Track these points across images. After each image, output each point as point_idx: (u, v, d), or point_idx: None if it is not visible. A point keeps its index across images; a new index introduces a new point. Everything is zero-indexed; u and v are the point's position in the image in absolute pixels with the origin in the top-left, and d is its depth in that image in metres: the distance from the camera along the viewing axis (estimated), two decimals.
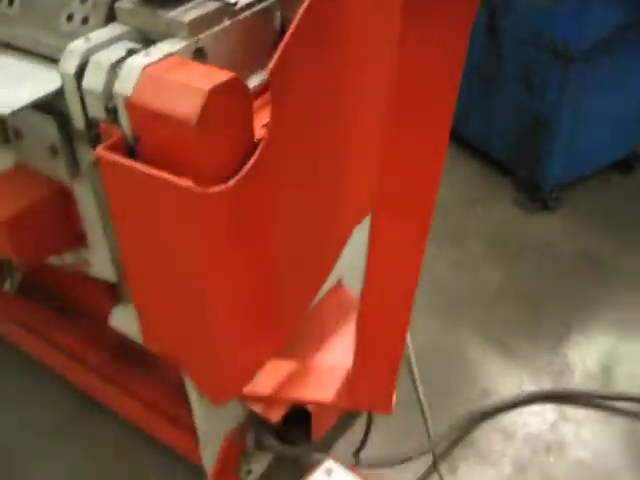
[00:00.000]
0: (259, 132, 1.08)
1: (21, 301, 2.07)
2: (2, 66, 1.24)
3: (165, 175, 0.98)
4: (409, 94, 0.96)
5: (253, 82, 1.21)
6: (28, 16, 1.27)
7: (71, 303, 2.06)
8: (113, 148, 1.04)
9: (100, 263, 1.47)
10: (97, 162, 1.20)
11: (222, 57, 1.13)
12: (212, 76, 0.98)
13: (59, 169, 1.32)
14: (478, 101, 2.70)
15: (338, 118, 1.24)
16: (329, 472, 1.31)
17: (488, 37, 2.53)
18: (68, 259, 1.55)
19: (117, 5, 1.13)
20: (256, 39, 1.20)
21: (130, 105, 1.02)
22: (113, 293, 1.63)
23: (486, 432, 1.92)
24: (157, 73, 1.01)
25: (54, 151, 1.29)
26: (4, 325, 2.16)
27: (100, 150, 1.03)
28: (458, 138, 2.81)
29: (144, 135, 1.03)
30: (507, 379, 2.09)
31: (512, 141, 2.67)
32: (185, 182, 0.97)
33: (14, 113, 1.09)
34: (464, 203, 2.71)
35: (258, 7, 1.18)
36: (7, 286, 1.64)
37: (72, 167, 1.30)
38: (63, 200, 1.39)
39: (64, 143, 1.27)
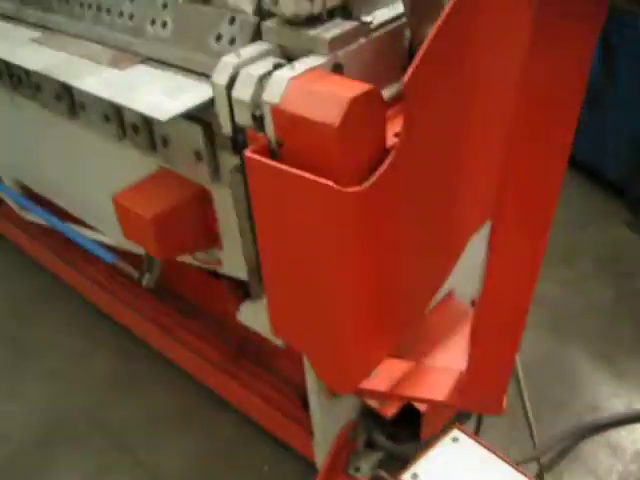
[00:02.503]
0: (391, 140, 1.18)
1: (152, 301, 2.26)
2: (158, 80, 1.38)
3: (307, 174, 1.09)
4: (534, 108, 1.03)
5: (385, 94, 1.30)
6: (180, 37, 1.42)
7: (196, 304, 2.22)
8: (259, 151, 1.15)
9: (232, 262, 1.60)
10: (237, 167, 1.33)
11: (357, 71, 1.23)
12: (352, 87, 1.08)
13: (202, 173, 1.45)
14: (589, 120, 2.70)
15: (464, 129, 1.31)
16: (455, 440, 1.38)
17: (601, 54, 2.55)
18: (200, 257, 1.69)
19: (263, 24, 1.26)
20: (387, 56, 1.30)
21: (277, 112, 1.13)
22: (237, 293, 1.76)
23: (594, 447, 1.92)
24: (302, 83, 1.12)
25: (198, 157, 1.42)
26: (136, 320, 2.35)
27: (248, 152, 1.15)
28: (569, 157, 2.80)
29: (288, 140, 1.14)
30: (617, 398, 2.08)
31: (625, 161, 2.66)
32: (325, 181, 1.07)
33: (170, 119, 1.24)
34: (575, 222, 2.72)
35: (390, 27, 1.28)
36: (145, 282, 1.80)
37: (214, 172, 1.44)
38: (202, 202, 1.53)
39: (208, 149, 1.41)
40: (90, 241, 1.96)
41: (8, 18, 1.88)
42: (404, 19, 1.30)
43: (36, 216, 2.34)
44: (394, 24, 1.30)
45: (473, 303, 1.78)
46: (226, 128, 1.26)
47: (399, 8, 1.30)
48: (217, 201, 1.53)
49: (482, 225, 1.55)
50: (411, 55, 1.33)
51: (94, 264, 2.49)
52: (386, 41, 1.29)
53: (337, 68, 1.20)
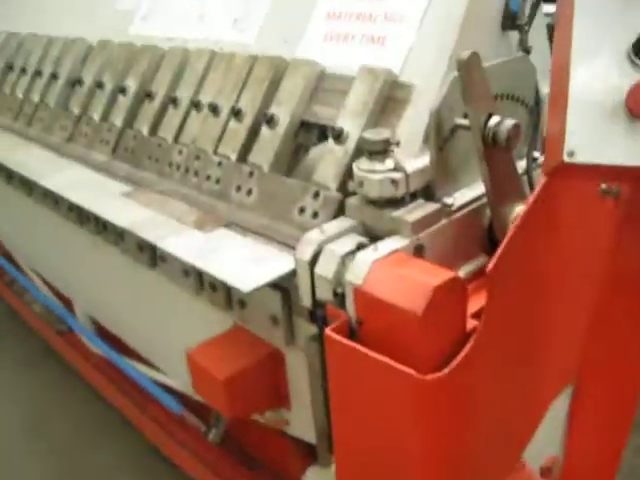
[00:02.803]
0: (469, 322, 1.18)
1: (217, 450, 2.23)
2: (240, 246, 1.43)
3: (387, 359, 1.09)
4: (622, 284, 1.03)
5: (464, 270, 1.32)
6: (264, 206, 1.48)
7: (260, 458, 2.18)
8: (339, 330, 1.17)
9: (300, 424, 1.59)
10: (314, 337, 1.34)
11: (437, 251, 1.26)
12: (436, 273, 1.10)
13: (276, 336, 1.47)
14: None
15: (542, 303, 1.31)
16: None
17: None
18: (268, 416, 1.68)
19: (347, 201, 1.30)
20: (467, 235, 1.32)
21: (359, 293, 1.15)
22: (304, 455, 1.73)
23: None
24: (385, 267, 1.14)
25: (274, 321, 1.44)
26: (201, 472, 2.32)
27: (329, 331, 1.16)
28: None
29: (368, 320, 1.15)
30: None
31: None
32: (405, 368, 1.07)
33: (253, 290, 1.27)
34: None
35: (471, 207, 1.31)
36: (211, 436, 1.79)
37: (289, 336, 1.45)
38: (274, 363, 1.54)
39: (285, 315, 1.43)
40: (158, 388, 1.98)
41: (99, 168, 1.99)
42: (484, 199, 1.33)
43: (105, 355, 2.38)
44: (475, 204, 1.33)
45: (543, 472, 1.71)
46: (306, 301, 1.28)
47: (479, 188, 1.33)
48: (289, 363, 1.53)
49: (562, 390, 1.51)
50: (491, 233, 1.35)
51: (159, 406, 2.50)
52: (467, 221, 1.31)
53: (419, 249, 1.22)
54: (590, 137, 0.79)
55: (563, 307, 1.37)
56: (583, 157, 0.79)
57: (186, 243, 1.46)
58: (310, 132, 1.57)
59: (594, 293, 1.11)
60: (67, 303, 2.89)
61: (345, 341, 1.14)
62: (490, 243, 1.36)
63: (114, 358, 2.28)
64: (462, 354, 1.11)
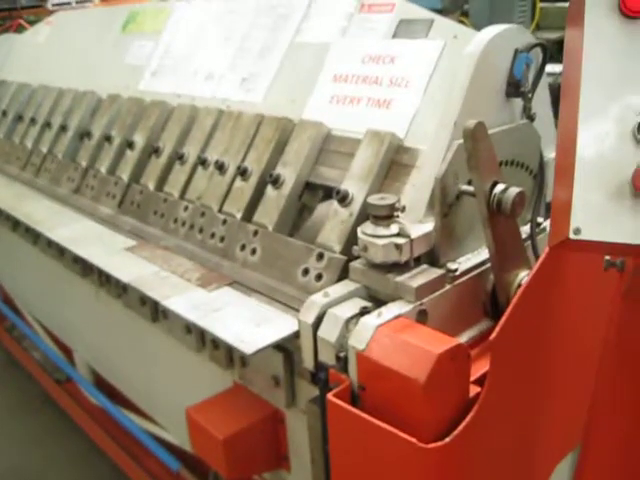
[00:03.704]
0: (472, 388, 1.17)
1: None
2: (244, 306, 1.43)
3: (389, 427, 1.08)
4: (623, 362, 1.03)
5: (466, 335, 1.32)
6: (268, 266, 1.49)
7: None
8: (341, 395, 1.16)
9: None
10: (315, 400, 1.33)
11: (441, 316, 1.26)
12: (439, 341, 1.10)
13: (277, 397, 1.46)
14: None
15: (546, 369, 1.31)
16: None
17: None
18: (267, 477, 1.66)
19: (351, 265, 1.31)
20: (470, 299, 1.32)
21: (362, 358, 1.15)
22: None
23: None
24: (389, 333, 1.14)
25: (276, 381, 1.44)
26: None
27: (330, 396, 1.15)
28: None
29: (370, 386, 1.15)
30: None
31: None
32: (407, 436, 1.06)
33: (255, 353, 1.27)
34: None
35: (475, 272, 1.32)
36: None
37: (290, 397, 1.44)
38: (275, 424, 1.53)
39: (286, 376, 1.42)
40: (156, 443, 1.96)
41: (105, 221, 2.01)
42: (488, 264, 1.33)
43: (104, 407, 2.36)
44: (479, 269, 1.33)
45: None
46: (309, 364, 1.28)
47: (484, 254, 1.34)
48: (290, 425, 1.52)
49: (567, 453, 1.50)
50: (494, 297, 1.36)
51: (156, 460, 2.46)
52: (470, 286, 1.32)
53: (422, 314, 1.22)
54: (596, 215, 0.80)
55: (567, 373, 1.37)
56: (589, 235, 0.80)
57: (190, 302, 1.46)
58: (315, 193, 1.59)
59: (598, 360, 1.11)
60: (67, 352, 2.88)
61: (347, 407, 1.13)
62: (494, 307, 1.36)
63: (111, 410, 2.26)
64: (465, 422, 1.10)
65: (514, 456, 1.33)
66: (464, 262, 1.33)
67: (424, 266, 1.27)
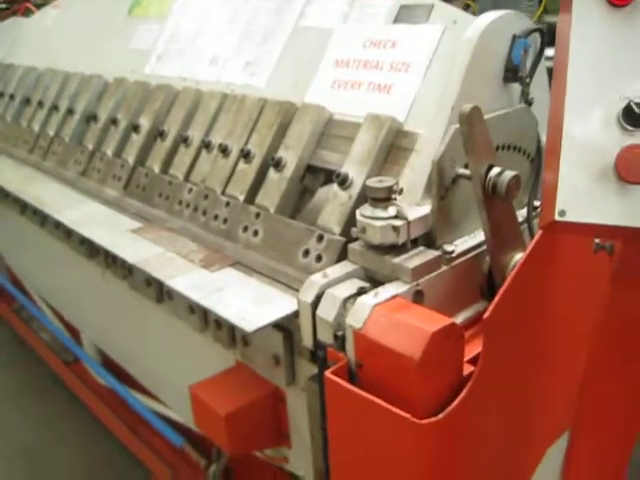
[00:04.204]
0: (466, 367, 1.20)
1: None
2: (246, 286, 1.47)
3: (384, 403, 1.11)
4: (612, 345, 1.06)
5: (462, 316, 1.35)
6: (269, 247, 1.52)
7: None
8: (338, 373, 1.19)
9: (300, 462, 1.60)
10: (314, 377, 1.37)
11: (437, 297, 1.28)
12: (434, 320, 1.13)
13: (278, 376, 1.49)
14: None
15: (540, 349, 1.33)
16: None
17: None
18: (268, 453, 1.70)
19: (350, 246, 1.34)
20: (466, 281, 1.35)
21: (359, 337, 1.18)
22: None
23: None
24: (385, 312, 1.17)
25: (277, 360, 1.47)
26: None
27: (328, 373, 1.19)
28: None
29: (367, 364, 1.18)
30: None
31: None
32: (401, 412, 1.09)
33: (256, 331, 1.30)
34: None
35: (471, 254, 1.35)
36: (210, 472, 1.81)
37: (290, 376, 1.48)
38: (276, 402, 1.56)
39: (286, 355, 1.46)
40: (161, 421, 2.00)
41: (111, 203, 2.04)
42: (484, 246, 1.36)
43: (111, 387, 2.41)
44: (475, 251, 1.36)
45: None
46: (308, 342, 1.31)
47: (480, 236, 1.36)
48: (290, 403, 1.55)
49: (558, 437, 1.53)
50: (490, 279, 1.38)
51: (162, 438, 2.51)
52: (466, 267, 1.34)
53: (418, 295, 1.25)
54: (581, 197, 0.82)
55: (560, 354, 1.40)
56: (574, 217, 0.82)
57: (193, 282, 1.50)
58: (316, 176, 1.62)
59: (590, 342, 1.14)
60: (75, 332, 2.93)
61: (344, 384, 1.17)
62: (490, 289, 1.39)
63: (118, 389, 2.30)
64: (458, 399, 1.13)
65: (507, 436, 1.36)
66: (460, 244, 1.35)
67: (421, 248, 1.30)
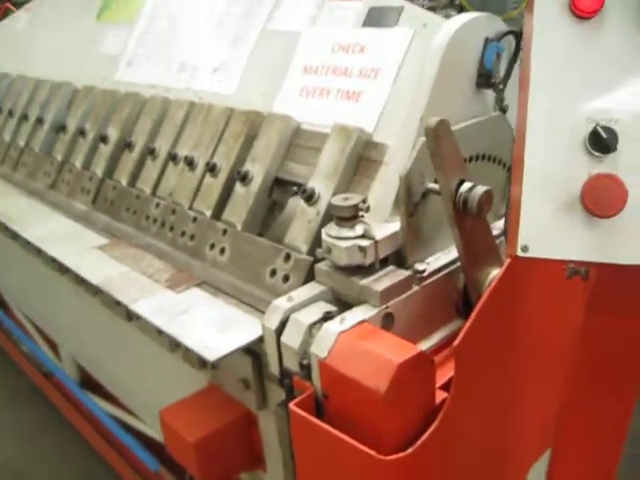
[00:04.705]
0: (438, 394, 1.14)
1: None
2: (211, 308, 1.40)
3: (348, 439, 1.05)
4: (591, 363, 1.00)
5: (437, 336, 1.29)
6: (236, 266, 1.45)
7: None
8: (304, 404, 1.13)
9: None
10: (282, 403, 1.31)
11: (409, 319, 1.22)
12: (401, 349, 1.06)
13: (248, 399, 1.43)
14: None
15: (514, 379, 1.27)
16: None
17: None
18: (244, 477, 1.64)
19: (317, 267, 1.27)
20: (441, 299, 1.29)
21: (324, 366, 1.11)
22: None
23: None
24: (350, 340, 1.11)
25: (246, 384, 1.41)
26: None
27: (292, 405, 1.12)
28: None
29: (333, 395, 1.12)
30: None
31: None
32: (366, 449, 1.03)
33: (219, 360, 1.24)
34: None
35: (444, 272, 1.28)
36: None
37: (261, 400, 1.42)
38: (248, 425, 1.50)
39: (256, 379, 1.39)
40: (136, 444, 1.94)
41: (79, 218, 1.97)
42: (458, 262, 1.29)
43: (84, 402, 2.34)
44: (448, 268, 1.29)
45: None
46: (274, 369, 1.25)
47: (454, 252, 1.30)
48: (263, 426, 1.49)
49: (542, 453, 1.47)
50: (466, 295, 1.32)
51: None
52: (440, 286, 1.28)
53: (388, 318, 1.19)
54: (545, 231, 0.75)
55: (535, 376, 1.33)
56: (537, 252, 0.76)
57: (158, 304, 1.43)
58: (285, 189, 1.55)
59: (566, 365, 1.08)
60: (54, 346, 2.87)
61: (308, 417, 1.11)
62: (466, 306, 1.32)
63: (93, 409, 2.24)
64: (427, 433, 1.07)
65: (485, 459, 1.30)
66: (433, 262, 1.29)
67: (391, 267, 1.24)
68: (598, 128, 0.70)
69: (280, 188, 1.54)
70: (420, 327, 1.25)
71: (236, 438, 1.50)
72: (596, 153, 0.72)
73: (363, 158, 1.38)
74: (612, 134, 0.71)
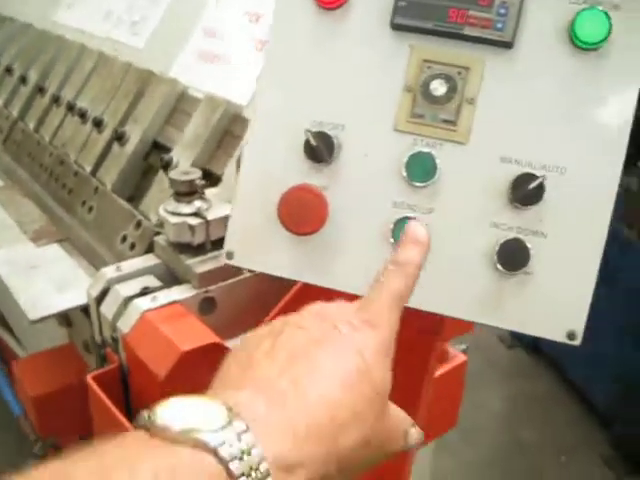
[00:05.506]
0: None
1: None
2: (62, 266, 1.37)
3: (122, 418, 1.02)
4: None
5: None
6: (98, 227, 1.42)
7: None
8: (102, 377, 1.10)
9: None
10: None
11: (235, 307, 1.18)
12: (195, 337, 1.02)
13: (90, 363, 1.41)
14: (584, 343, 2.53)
15: None
16: None
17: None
18: None
19: (155, 239, 1.23)
20: (266, 290, 1.24)
21: (125, 342, 1.08)
22: None
23: None
24: (152, 320, 1.07)
25: (86, 347, 1.38)
26: None
27: (89, 377, 1.10)
28: (566, 379, 2.68)
29: (131, 371, 1.09)
30: None
31: (613, 392, 2.46)
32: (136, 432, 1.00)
33: (39, 320, 1.21)
34: (549, 448, 2.50)
35: None
36: (36, 450, 1.74)
37: (100, 364, 1.39)
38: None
39: (94, 344, 1.36)
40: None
41: None
42: None
43: None
44: None
45: None
46: (97, 337, 1.22)
47: None
48: None
49: None
50: None
51: None
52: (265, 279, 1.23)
53: (208, 302, 1.15)
54: (250, 239, 0.70)
55: None
56: (241, 262, 0.71)
57: (14, 256, 1.41)
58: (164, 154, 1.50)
59: None
60: None
61: (97, 391, 1.08)
62: None
63: None
64: None
65: None
66: None
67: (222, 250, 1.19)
68: (309, 135, 0.64)
69: (158, 153, 1.49)
70: (250, 317, 1.20)
71: (74, 400, 1.48)
72: (310, 160, 0.66)
73: (228, 133, 1.32)
74: (327, 143, 0.65)
